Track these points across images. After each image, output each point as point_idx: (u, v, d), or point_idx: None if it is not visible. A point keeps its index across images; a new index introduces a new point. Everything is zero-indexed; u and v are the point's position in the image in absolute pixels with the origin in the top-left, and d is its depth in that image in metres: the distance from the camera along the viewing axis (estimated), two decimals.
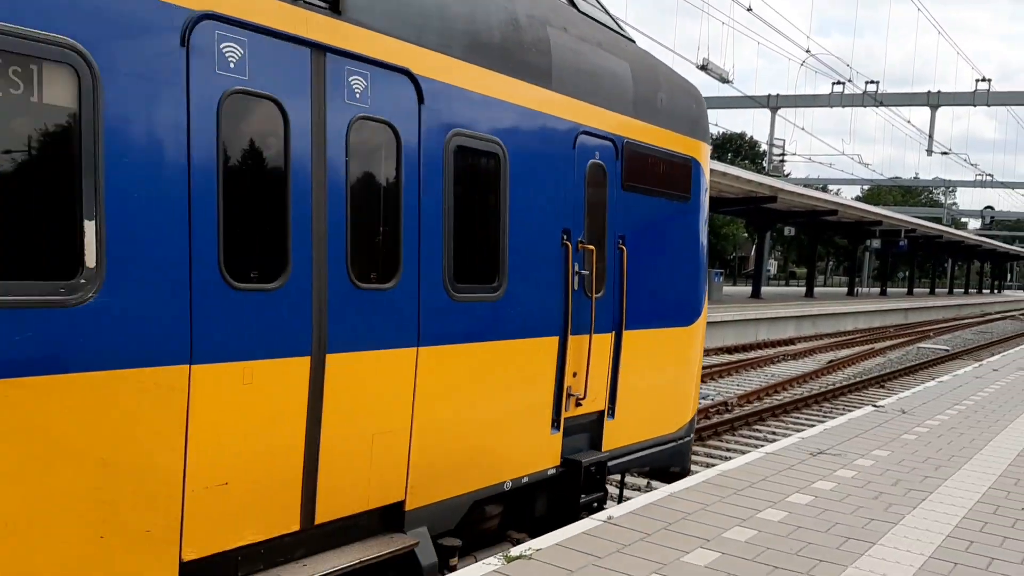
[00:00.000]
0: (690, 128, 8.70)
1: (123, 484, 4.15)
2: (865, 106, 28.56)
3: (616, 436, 7.82)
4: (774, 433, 14.93)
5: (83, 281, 3.94)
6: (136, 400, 4.16)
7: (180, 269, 4.31)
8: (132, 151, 4.15)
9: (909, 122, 31.73)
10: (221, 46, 4.47)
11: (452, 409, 6.04)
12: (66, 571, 4.01)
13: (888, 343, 33.36)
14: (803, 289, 60.18)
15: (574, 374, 7.13)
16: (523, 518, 7.18)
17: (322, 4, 4.99)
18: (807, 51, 30.96)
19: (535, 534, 6.84)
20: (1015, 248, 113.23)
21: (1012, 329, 46.89)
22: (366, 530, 5.62)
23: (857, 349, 30.92)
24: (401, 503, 5.73)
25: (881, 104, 28.13)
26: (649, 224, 8.12)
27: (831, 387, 20.34)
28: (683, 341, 8.87)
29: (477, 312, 6.18)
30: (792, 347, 30.29)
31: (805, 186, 50.39)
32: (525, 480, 6.82)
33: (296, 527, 5.07)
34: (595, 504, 7.50)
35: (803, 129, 48.79)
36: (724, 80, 17.99)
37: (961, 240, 73.93)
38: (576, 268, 7.02)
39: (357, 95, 5.24)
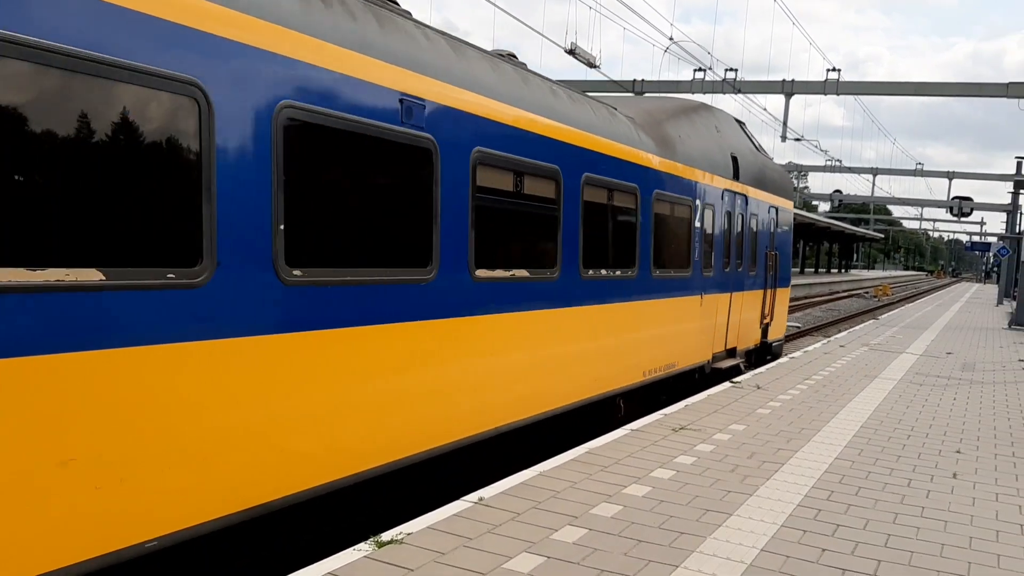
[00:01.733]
0: (791, 196, 19.11)
1: (718, 326, 14.20)
2: (724, 93, 29.55)
3: (770, 334, 17.68)
4: None
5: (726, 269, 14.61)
6: (722, 304, 14.37)
7: (720, 266, 14.14)
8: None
9: (765, 109, 33.06)
10: (724, 197, 14.13)
11: (741, 316, 15.36)
12: (697, 346, 13.47)
13: None
14: None
15: (765, 304, 16.98)
16: (748, 365, 16.29)
17: (735, 179, 14.67)
18: (670, 38, 31.76)
19: (757, 365, 16.57)
20: (861, 230, 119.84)
21: (857, 307, 49.70)
22: (727, 357, 14.89)
23: None
24: (736, 348, 15.15)
25: (739, 91, 29.19)
26: (782, 242, 18.16)
27: None
28: (786, 294, 19.02)
29: (748, 278, 15.67)
30: None
31: None
32: (753, 347, 16.56)
33: (722, 349, 14.56)
34: (768, 358, 17.55)
35: None
36: (592, 65, 18.28)
37: (812, 222, 77.73)
38: (768, 262, 17.00)
39: (737, 205, 14.79)
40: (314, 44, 5.75)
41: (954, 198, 58.79)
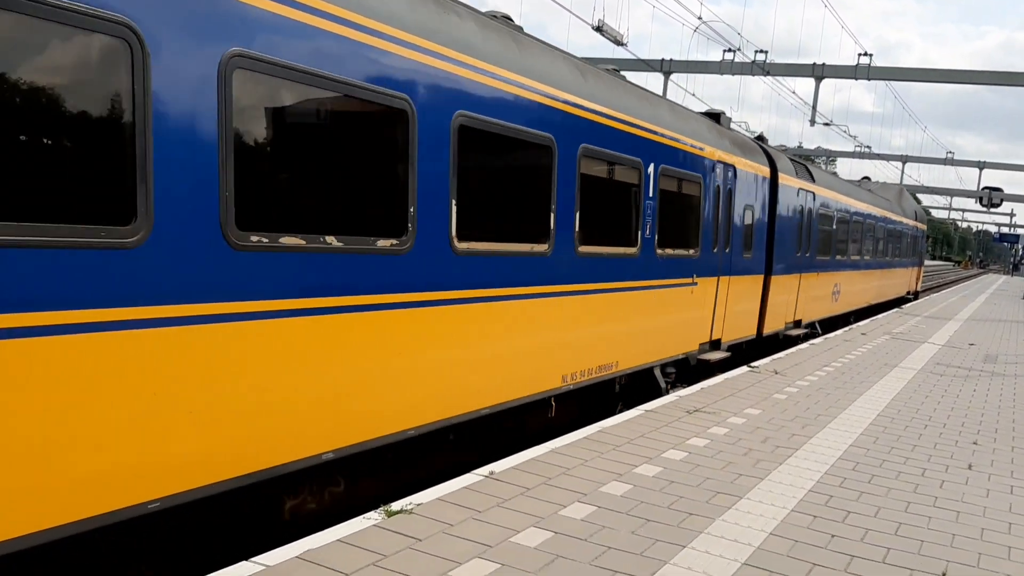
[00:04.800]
0: (924, 221, 41.58)
1: (904, 283, 35.22)
2: (753, 75, 29.22)
3: (917, 287, 39.42)
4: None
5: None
6: (907, 272, 36.56)
7: (909, 254, 36.04)
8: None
9: (794, 92, 32.73)
10: (913, 229, 37.78)
11: (912, 277, 37.73)
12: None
13: None
14: None
15: (917, 272, 39.05)
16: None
17: (915, 220, 38.30)
18: (699, 18, 31.44)
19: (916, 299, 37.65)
20: None
21: None
22: (907, 295, 37.65)
23: None
24: (908, 292, 37.39)
25: (768, 74, 28.83)
26: (922, 245, 40.87)
27: None
28: (920, 270, 40.88)
29: (913, 261, 36.99)
30: None
31: None
32: (911, 293, 38.21)
33: (907, 292, 37.47)
34: (910, 299, 37.16)
35: (694, 95, 49.85)
36: (619, 43, 18.13)
37: None
38: (919, 254, 39.11)
39: (912, 229, 36.17)
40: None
41: (984, 188, 57.98)
